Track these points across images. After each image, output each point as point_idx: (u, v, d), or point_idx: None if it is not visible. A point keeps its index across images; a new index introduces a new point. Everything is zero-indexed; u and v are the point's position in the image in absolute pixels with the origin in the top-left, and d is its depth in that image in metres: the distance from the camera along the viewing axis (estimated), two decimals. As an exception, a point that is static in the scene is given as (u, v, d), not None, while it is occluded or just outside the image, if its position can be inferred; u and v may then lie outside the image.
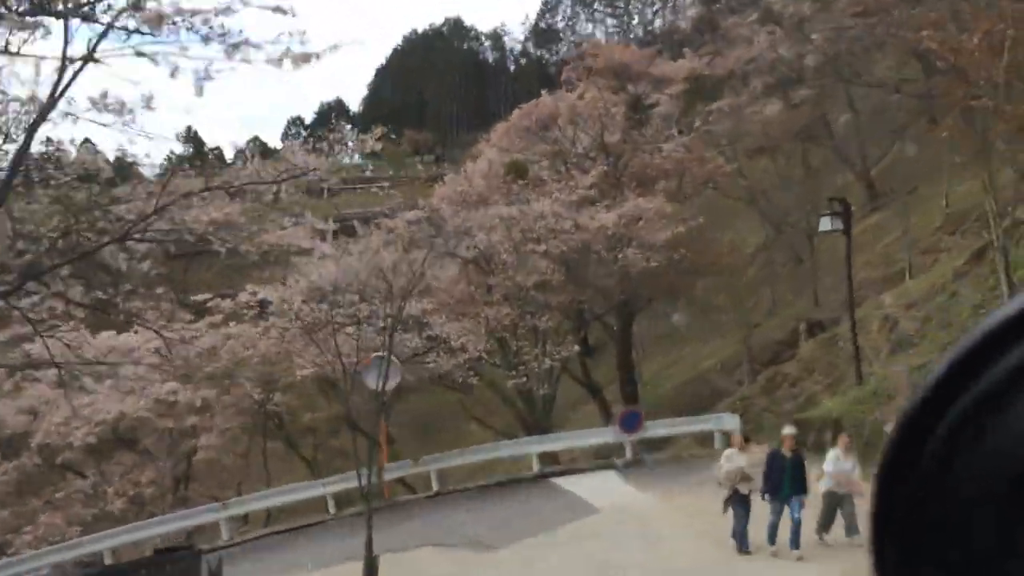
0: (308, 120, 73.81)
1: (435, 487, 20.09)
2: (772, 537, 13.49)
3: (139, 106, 12.34)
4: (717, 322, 38.53)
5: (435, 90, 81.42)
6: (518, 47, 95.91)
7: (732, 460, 13.93)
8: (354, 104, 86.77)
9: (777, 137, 36.08)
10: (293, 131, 73.78)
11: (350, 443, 35.47)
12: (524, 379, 23.59)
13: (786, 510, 13.30)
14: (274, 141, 72.32)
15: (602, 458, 22.40)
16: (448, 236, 24.97)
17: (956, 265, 21.42)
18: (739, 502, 13.80)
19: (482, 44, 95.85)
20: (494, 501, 19.00)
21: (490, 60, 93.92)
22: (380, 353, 19.86)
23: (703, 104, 37.37)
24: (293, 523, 19.95)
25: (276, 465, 36.85)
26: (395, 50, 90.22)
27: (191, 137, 59.35)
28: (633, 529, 16.08)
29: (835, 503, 13.39)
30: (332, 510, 19.43)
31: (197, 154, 58.44)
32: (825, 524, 13.56)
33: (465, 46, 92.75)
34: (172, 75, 10.56)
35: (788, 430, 13.87)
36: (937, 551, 0.54)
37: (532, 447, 20.76)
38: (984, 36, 14.78)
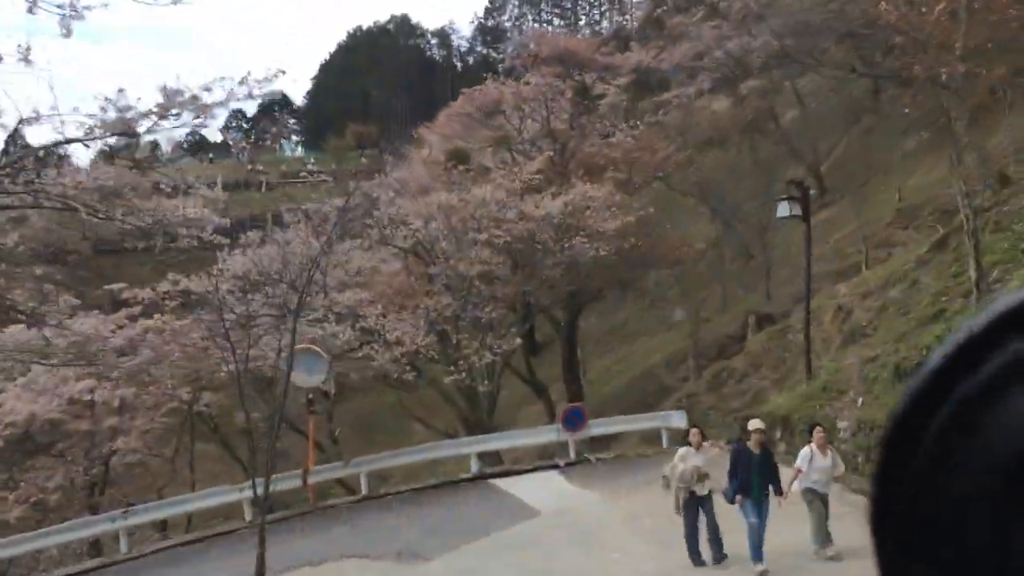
0: (250, 113, 71.39)
1: (364, 490, 18.48)
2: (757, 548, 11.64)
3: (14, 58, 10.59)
4: (666, 317, 37.54)
5: (381, 86, 79.30)
6: (465, 45, 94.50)
7: (687, 460, 12.31)
8: (298, 98, 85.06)
9: (726, 129, 35.17)
10: (235, 124, 71.46)
11: (289, 445, 33.70)
12: (464, 375, 22.07)
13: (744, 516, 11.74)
14: (215, 135, 69.74)
15: (547, 458, 21.01)
16: (383, 224, 23.48)
17: (919, 254, 20.42)
18: (695, 505, 12.20)
19: (429, 42, 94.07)
20: (429, 505, 17.48)
21: (437, 58, 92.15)
22: (305, 346, 18.25)
23: (651, 96, 36.37)
24: (204, 532, 18.17)
25: (213, 467, 34.89)
26: (340, 45, 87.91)
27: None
28: (576, 533, 14.71)
29: (816, 501, 11.90)
30: (248, 517, 17.68)
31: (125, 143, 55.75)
32: (819, 530, 11.92)
33: (411, 43, 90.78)
34: (30, 10, 8.89)
35: (755, 424, 12.30)
36: (930, 549, 0.53)
37: (471, 447, 19.22)
38: (948, 3, 13.69)
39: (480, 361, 22.34)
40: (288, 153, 69.07)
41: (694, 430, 13.18)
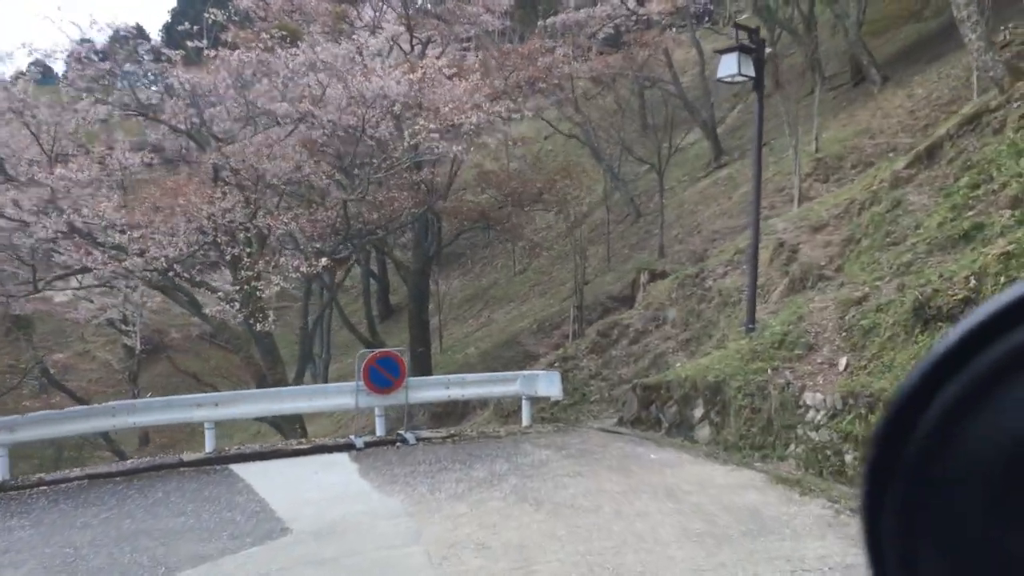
0: (100, 45, 59.38)
1: (2, 474, 9.85)
2: None
3: None
4: (540, 279, 30.19)
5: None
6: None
7: None
8: (154, 31, 72.54)
9: (621, 68, 27.80)
10: (83, 55, 59.66)
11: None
12: (235, 305, 13.66)
13: None
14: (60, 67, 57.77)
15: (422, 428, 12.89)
16: (135, 81, 14.85)
17: (895, 169, 13.32)
18: None
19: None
20: (100, 506, 9.06)
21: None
22: None
23: (538, 20, 28.71)
24: None
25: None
26: (203, -26, 75.80)
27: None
28: (335, 583, 6.70)
29: None
30: None
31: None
32: None
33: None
34: None
35: None
36: (933, 527, 0.49)
37: (199, 411, 10.60)
38: None
39: (266, 290, 14.00)
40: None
41: None
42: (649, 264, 22.43)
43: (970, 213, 10.28)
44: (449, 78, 17.07)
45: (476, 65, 19.58)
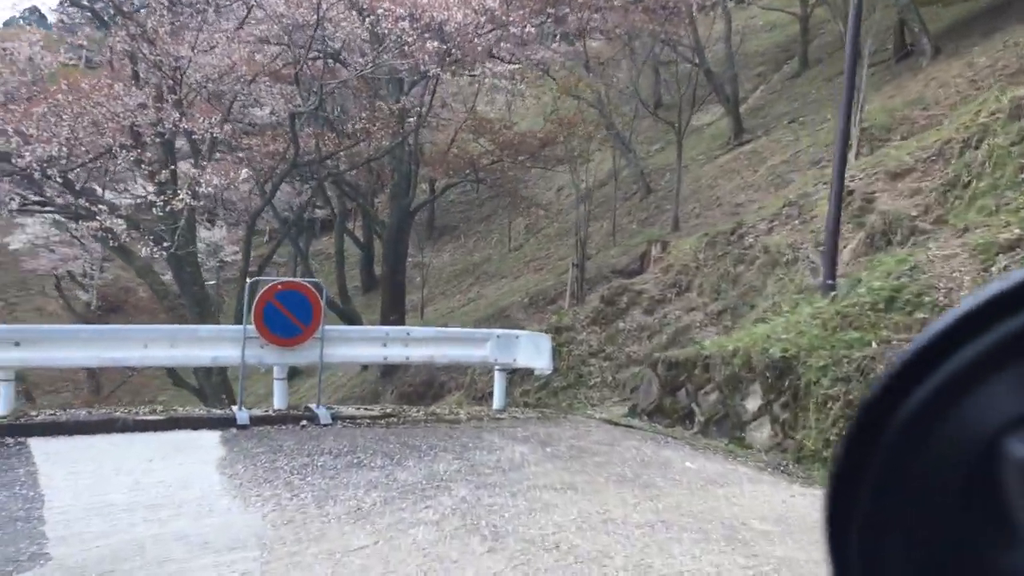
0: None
1: None
2: None
3: None
4: (536, 253, 26.50)
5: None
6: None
7: None
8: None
9: (641, 22, 23.80)
10: None
11: None
12: (121, 224, 9.81)
13: None
14: None
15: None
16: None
17: (1018, 95, 9.44)
18: None
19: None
20: None
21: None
22: None
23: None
24: None
25: None
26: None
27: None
28: None
29: None
30: None
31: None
32: None
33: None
34: None
35: None
36: (901, 529, 0.47)
37: None
38: None
39: (170, 204, 10.15)
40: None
41: None
42: (662, 236, 18.63)
43: None
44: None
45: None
